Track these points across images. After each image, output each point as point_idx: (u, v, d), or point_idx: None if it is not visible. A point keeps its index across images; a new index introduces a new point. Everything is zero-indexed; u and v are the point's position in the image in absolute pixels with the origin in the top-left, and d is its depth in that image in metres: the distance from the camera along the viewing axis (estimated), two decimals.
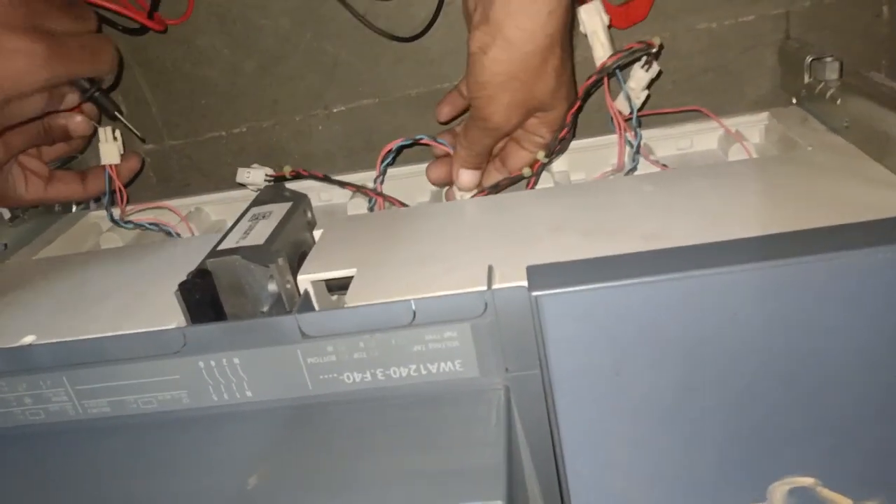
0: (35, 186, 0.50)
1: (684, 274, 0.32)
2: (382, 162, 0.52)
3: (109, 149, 0.52)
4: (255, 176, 0.53)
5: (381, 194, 0.51)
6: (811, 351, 0.33)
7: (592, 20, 0.48)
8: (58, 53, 0.44)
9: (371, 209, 0.52)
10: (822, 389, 0.34)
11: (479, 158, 0.48)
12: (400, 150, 0.52)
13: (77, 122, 0.52)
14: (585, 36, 0.48)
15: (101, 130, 0.53)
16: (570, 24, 0.43)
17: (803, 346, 0.33)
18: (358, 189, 0.52)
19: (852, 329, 0.33)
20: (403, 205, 0.52)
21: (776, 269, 0.32)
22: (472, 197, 0.50)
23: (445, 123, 0.55)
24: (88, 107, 0.53)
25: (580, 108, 0.47)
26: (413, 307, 0.34)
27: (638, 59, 0.48)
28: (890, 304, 0.32)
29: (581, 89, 0.46)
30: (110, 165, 0.53)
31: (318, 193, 0.58)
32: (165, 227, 0.51)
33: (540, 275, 0.34)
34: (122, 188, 0.53)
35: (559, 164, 0.55)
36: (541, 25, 0.41)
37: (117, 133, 0.53)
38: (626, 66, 0.48)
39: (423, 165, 0.54)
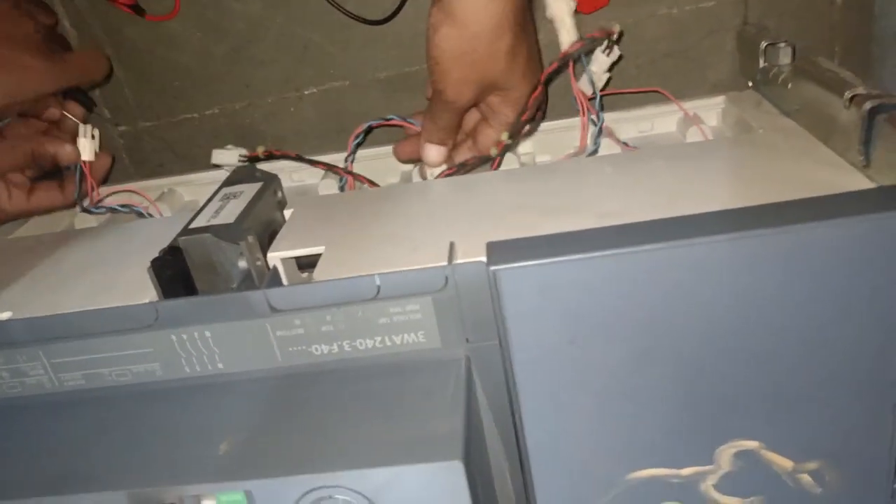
0: (17, 199, 0.51)
1: (635, 248, 0.34)
2: (354, 141, 0.53)
3: (86, 145, 0.53)
4: (230, 157, 0.54)
5: (351, 173, 0.53)
6: (757, 322, 0.35)
7: (558, 6, 0.49)
8: (61, 69, 0.50)
9: (342, 188, 0.53)
10: (768, 358, 0.36)
11: (443, 133, 0.50)
12: (370, 129, 0.53)
13: (67, 152, 0.52)
14: (552, 21, 0.50)
15: (81, 127, 0.54)
16: (524, 10, 0.45)
17: (750, 317, 0.35)
18: (329, 168, 0.53)
19: (795, 300, 0.35)
20: (373, 184, 0.53)
21: (721, 243, 0.33)
22: (442, 175, 0.51)
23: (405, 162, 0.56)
24: (75, 109, 0.54)
25: (544, 94, 0.48)
26: (377, 282, 0.35)
27: (599, 46, 0.49)
28: (829, 276, 0.34)
29: (543, 75, 0.47)
30: (84, 161, 0.54)
31: (291, 174, 0.59)
32: (137, 208, 0.52)
33: (499, 250, 0.35)
34: (95, 184, 0.54)
35: (525, 146, 0.56)
36: (484, 6, 0.43)
37: (95, 132, 0.54)
38: (589, 52, 0.50)
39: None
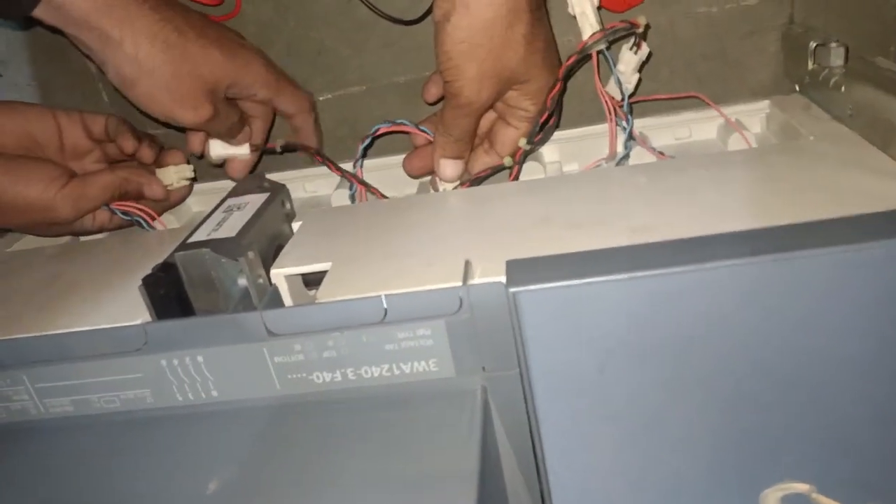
0: (101, 219, 0.50)
1: (670, 270, 0.30)
2: (363, 144, 0.50)
3: (168, 176, 0.51)
4: (227, 149, 0.52)
5: (363, 182, 0.49)
6: (806, 350, 0.31)
7: (580, 1, 0.45)
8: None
9: (352, 196, 0.50)
10: (818, 391, 0.32)
11: (459, 145, 0.46)
12: (379, 133, 0.50)
13: (154, 191, 0.50)
14: (574, 17, 0.46)
15: (175, 168, 0.52)
16: None
17: (797, 345, 0.31)
18: (339, 171, 0.50)
19: (849, 327, 0.31)
20: (384, 196, 0.50)
21: (767, 264, 0.30)
22: (455, 188, 0.48)
23: (433, 104, 0.53)
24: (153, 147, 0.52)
25: (563, 90, 0.45)
26: (384, 304, 0.32)
27: (622, 39, 0.45)
28: (886, 300, 0.30)
29: (561, 70, 0.44)
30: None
31: (304, 184, 0.56)
32: (137, 217, 0.49)
33: (519, 270, 0.32)
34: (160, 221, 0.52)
35: (551, 155, 0.53)
36: None
37: (188, 173, 0.52)
38: (612, 45, 0.46)
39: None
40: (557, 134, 0.52)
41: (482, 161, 0.48)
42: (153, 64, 0.41)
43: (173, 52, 0.42)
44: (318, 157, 0.52)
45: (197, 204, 0.57)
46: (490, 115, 0.47)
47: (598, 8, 0.46)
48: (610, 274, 0.31)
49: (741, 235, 0.31)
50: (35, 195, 0.45)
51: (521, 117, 0.46)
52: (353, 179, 0.49)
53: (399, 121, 0.50)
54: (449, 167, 0.47)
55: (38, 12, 0.39)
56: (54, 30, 0.42)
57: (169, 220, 0.54)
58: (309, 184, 0.56)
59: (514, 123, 0.46)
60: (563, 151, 0.53)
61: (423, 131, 0.49)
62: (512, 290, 0.31)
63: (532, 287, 0.31)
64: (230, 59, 0.45)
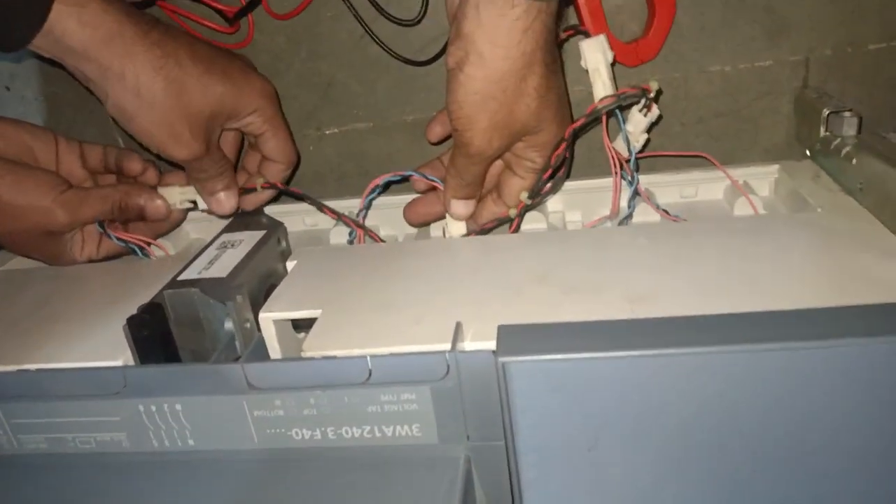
0: (89, 248, 0.49)
1: (666, 351, 0.29)
2: (368, 195, 0.49)
3: (172, 195, 0.50)
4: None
5: (361, 226, 0.49)
6: (805, 441, 0.30)
7: (595, 56, 0.45)
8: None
9: (350, 242, 0.49)
10: (809, 479, 0.31)
11: (470, 188, 0.45)
12: (388, 185, 0.50)
13: (156, 206, 0.49)
14: (587, 72, 0.45)
15: (179, 189, 0.50)
16: (553, 42, 0.41)
17: (792, 432, 0.30)
18: (339, 217, 0.49)
19: (850, 420, 0.30)
20: (381, 240, 0.49)
21: (768, 352, 0.29)
22: (462, 236, 0.47)
23: (437, 144, 0.52)
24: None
25: (570, 150, 0.44)
26: (369, 364, 0.31)
27: (634, 103, 0.45)
28: (882, 395, 0.29)
29: (568, 131, 0.43)
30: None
31: (304, 218, 0.55)
32: (132, 244, 0.48)
33: (510, 337, 0.31)
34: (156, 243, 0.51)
35: (554, 205, 0.52)
36: (515, 43, 0.38)
37: (191, 195, 0.50)
38: (625, 108, 0.45)
39: (412, 196, 0.52)
40: (565, 184, 0.51)
41: (490, 211, 0.47)
42: (153, 99, 0.41)
43: (173, 88, 0.41)
44: (308, 200, 0.51)
45: (195, 231, 0.56)
46: (499, 163, 0.47)
47: (613, 64, 0.45)
48: (604, 350, 0.30)
49: (740, 319, 0.30)
50: (34, 198, 0.45)
51: (528, 168, 0.45)
52: (350, 224, 0.49)
53: (409, 172, 0.49)
54: (461, 207, 0.46)
55: (37, 44, 0.38)
56: (54, 62, 0.41)
57: (165, 246, 0.53)
58: (308, 217, 0.55)
59: (520, 174, 0.45)
60: (568, 201, 0.52)
61: (432, 180, 0.48)
62: (501, 359, 0.30)
63: (522, 358, 0.30)
64: (233, 91, 0.44)
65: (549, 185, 0.44)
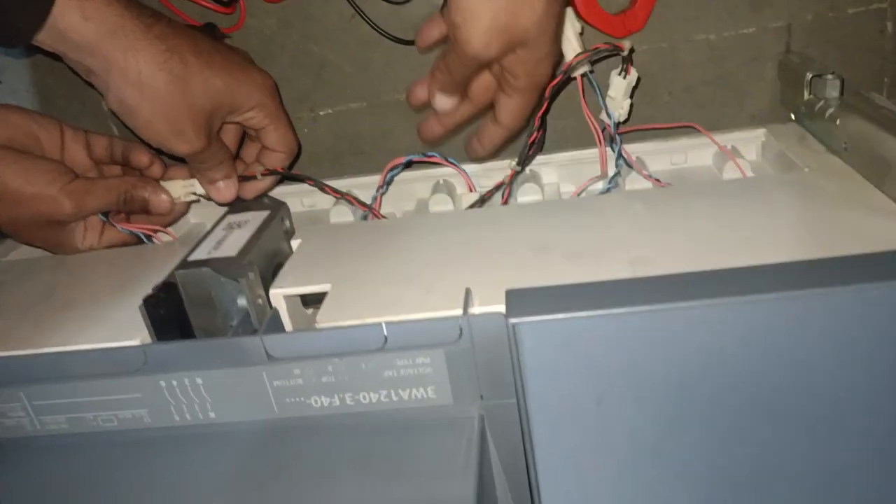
0: (91, 237, 0.49)
1: (670, 305, 0.30)
2: (389, 172, 0.50)
3: (175, 189, 0.50)
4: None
5: (362, 203, 0.50)
6: (803, 388, 0.32)
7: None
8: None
9: (364, 217, 0.50)
10: (815, 429, 0.33)
11: (456, 85, 0.44)
12: (410, 163, 0.50)
13: (160, 199, 0.49)
14: None
15: (182, 182, 0.50)
16: None
17: (794, 383, 0.32)
18: (352, 201, 0.50)
19: (845, 367, 0.31)
20: (382, 216, 0.50)
21: (765, 303, 0.30)
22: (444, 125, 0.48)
23: (428, 50, 0.49)
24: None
25: (547, 110, 0.45)
26: (384, 331, 0.32)
27: (605, 58, 0.46)
28: (885, 343, 0.30)
29: (547, 90, 0.44)
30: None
31: (302, 198, 0.56)
32: (136, 231, 0.49)
33: (519, 301, 0.32)
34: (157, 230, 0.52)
35: (549, 176, 0.53)
36: None
37: (196, 188, 0.50)
38: (596, 63, 0.47)
39: (409, 173, 0.53)
40: (556, 155, 0.53)
41: (490, 131, 0.46)
42: (155, 94, 0.41)
43: (176, 82, 0.41)
44: (310, 181, 0.51)
45: (195, 216, 0.57)
46: (490, 78, 0.45)
47: (581, 33, 0.47)
48: (610, 307, 0.31)
49: (734, 273, 0.32)
50: (40, 187, 0.45)
51: (512, 86, 0.43)
52: (361, 206, 0.49)
53: (430, 153, 0.49)
54: (445, 101, 0.45)
55: (40, 38, 0.39)
56: (54, 56, 0.41)
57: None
58: (307, 198, 0.56)
59: (506, 91, 0.44)
60: (562, 173, 0.53)
61: (453, 164, 0.49)
62: (511, 321, 0.31)
63: (531, 318, 0.31)
64: (233, 86, 0.44)
65: (532, 149, 0.46)
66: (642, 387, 0.32)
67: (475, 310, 0.34)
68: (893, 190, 0.38)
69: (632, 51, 0.45)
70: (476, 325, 0.32)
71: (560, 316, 0.31)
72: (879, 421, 0.32)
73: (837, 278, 0.30)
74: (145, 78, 0.41)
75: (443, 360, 0.32)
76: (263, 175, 0.50)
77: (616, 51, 0.45)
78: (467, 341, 0.32)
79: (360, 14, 0.54)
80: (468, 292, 0.34)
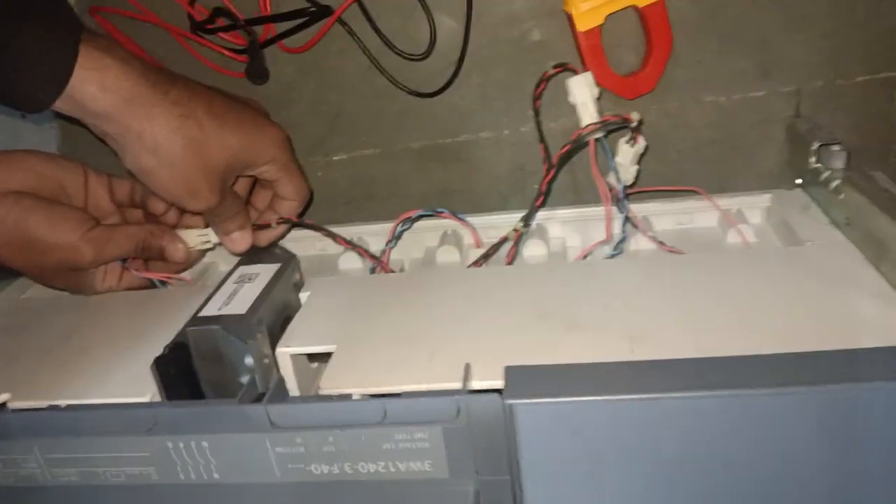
0: (110, 280, 0.50)
1: (662, 395, 0.31)
2: (399, 226, 0.51)
3: (191, 238, 0.52)
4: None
5: (379, 260, 0.51)
6: (785, 478, 0.33)
7: (581, 91, 0.48)
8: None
9: (372, 271, 0.52)
10: None
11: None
12: (420, 217, 0.52)
13: (176, 249, 0.51)
14: (574, 107, 0.48)
15: (197, 232, 0.52)
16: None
17: (778, 472, 0.32)
18: (363, 253, 0.52)
19: (826, 459, 0.32)
20: (390, 270, 0.51)
21: (752, 397, 0.31)
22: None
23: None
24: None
25: (554, 177, 0.47)
26: (384, 407, 0.33)
27: (615, 130, 0.48)
28: (860, 435, 0.31)
29: (556, 157, 0.46)
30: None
31: (314, 243, 0.58)
32: (153, 278, 0.51)
33: (516, 380, 0.33)
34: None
35: (554, 230, 0.54)
36: None
37: (211, 237, 0.52)
38: (611, 133, 0.48)
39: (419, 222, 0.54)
40: (562, 211, 0.54)
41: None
42: (171, 159, 0.42)
43: (192, 146, 0.43)
44: (323, 231, 0.53)
45: (209, 255, 0.58)
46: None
47: (599, 98, 0.48)
48: (605, 394, 0.32)
49: (730, 363, 0.32)
50: (62, 235, 0.46)
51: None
52: (370, 258, 0.51)
53: (440, 210, 0.51)
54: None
55: (58, 105, 0.40)
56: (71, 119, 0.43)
57: (183, 275, 0.55)
58: (319, 242, 0.57)
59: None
60: (567, 228, 0.54)
61: (461, 219, 0.51)
62: (508, 402, 0.32)
63: (527, 401, 0.32)
64: (248, 144, 0.45)
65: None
66: (633, 468, 0.33)
67: (474, 384, 0.35)
68: (888, 273, 0.39)
69: (640, 122, 0.46)
70: (474, 404, 0.33)
71: (555, 400, 0.32)
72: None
73: (822, 376, 0.31)
74: (161, 144, 0.42)
75: (440, 436, 0.33)
76: (278, 223, 0.51)
77: (625, 123, 0.46)
78: (464, 419, 0.33)
79: (376, 66, 0.55)
80: (468, 368, 0.35)
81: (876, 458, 0.31)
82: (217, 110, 0.44)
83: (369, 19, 0.54)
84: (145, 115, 0.41)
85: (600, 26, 0.50)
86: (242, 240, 0.49)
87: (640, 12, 0.50)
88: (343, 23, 0.54)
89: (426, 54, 0.54)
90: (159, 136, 0.42)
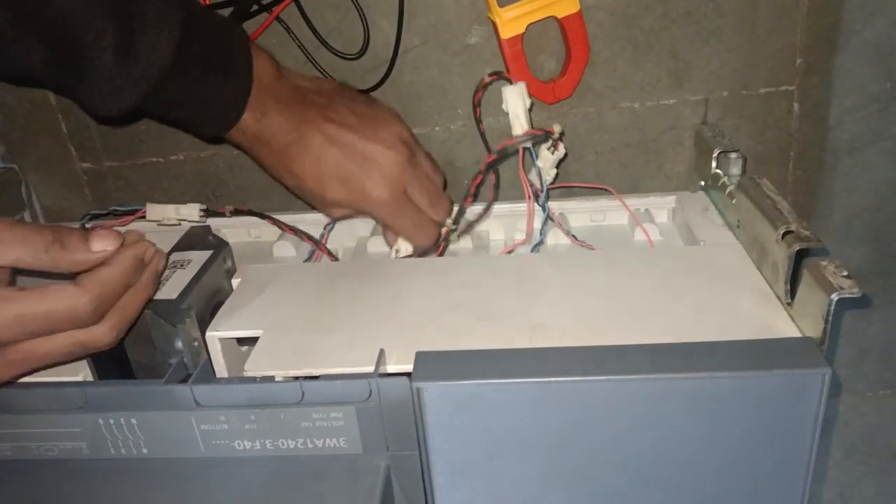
0: None
1: (553, 379, 0.35)
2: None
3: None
4: (175, 211, 0.55)
5: (318, 243, 0.53)
6: (664, 455, 0.37)
7: (514, 101, 0.51)
8: None
9: (309, 258, 0.54)
10: (672, 489, 0.38)
11: None
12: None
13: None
14: (507, 114, 0.51)
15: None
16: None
17: (657, 450, 0.37)
18: (304, 237, 0.54)
19: (700, 438, 0.36)
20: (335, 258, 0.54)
21: (632, 382, 0.35)
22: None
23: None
24: None
25: (482, 181, 0.51)
26: (302, 388, 0.36)
27: (542, 142, 0.51)
28: (730, 419, 0.35)
29: (483, 164, 0.50)
30: None
31: (249, 229, 0.60)
32: None
33: (424, 364, 0.37)
34: None
35: (481, 224, 0.57)
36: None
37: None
38: (537, 144, 0.52)
39: None
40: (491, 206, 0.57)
41: None
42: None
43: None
44: (269, 219, 0.55)
45: None
46: None
47: (530, 109, 0.51)
48: (502, 377, 0.35)
49: (616, 350, 0.36)
50: None
51: None
52: (308, 241, 0.54)
53: None
54: None
55: (232, 135, 0.49)
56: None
57: None
58: (254, 229, 0.60)
59: None
60: (493, 223, 0.57)
61: None
62: (415, 384, 0.35)
63: (433, 383, 0.35)
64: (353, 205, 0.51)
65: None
66: (527, 445, 0.37)
67: (388, 368, 0.38)
68: (769, 274, 0.43)
69: (562, 133, 0.50)
70: (384, 386, 0.36)
71: (457, 382, 0.35)
72: (728, 483, 0.37)
73: (697, 365, 0.35)
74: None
75: (354, 415, 0.36)
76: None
77: (547, 136, 0.50)
78: (376, 400, 0.36)
79: (312, 62, 0.57)
80: (381, 353, 0.38)
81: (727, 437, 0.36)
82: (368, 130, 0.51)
83: (305, 17, 0.56)
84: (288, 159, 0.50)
85: (522, 34, 0.53)
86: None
87: (560, 22, 0.53)
88: (280, 20, 0.56)
89: (360, 53, 0.57)
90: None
